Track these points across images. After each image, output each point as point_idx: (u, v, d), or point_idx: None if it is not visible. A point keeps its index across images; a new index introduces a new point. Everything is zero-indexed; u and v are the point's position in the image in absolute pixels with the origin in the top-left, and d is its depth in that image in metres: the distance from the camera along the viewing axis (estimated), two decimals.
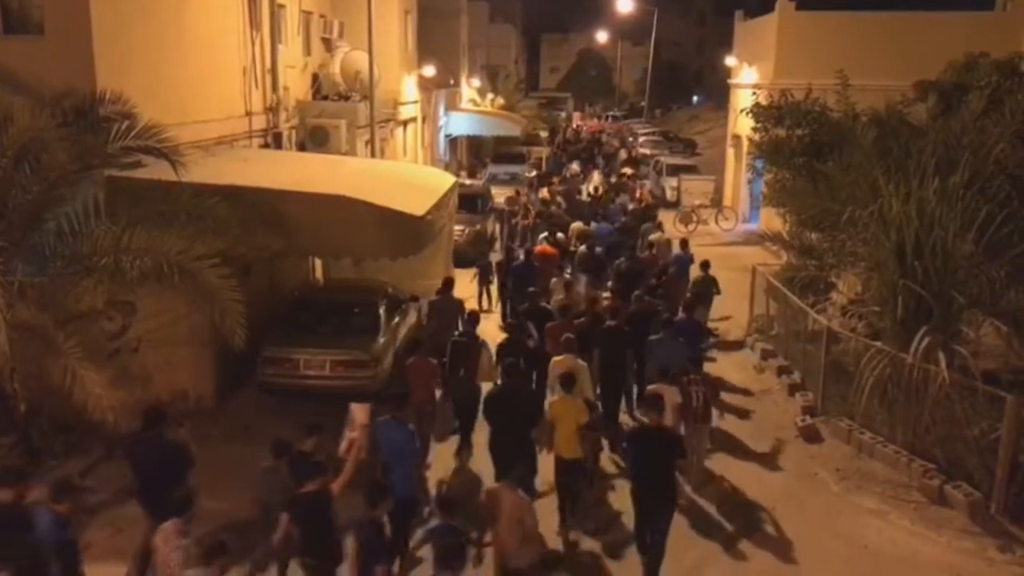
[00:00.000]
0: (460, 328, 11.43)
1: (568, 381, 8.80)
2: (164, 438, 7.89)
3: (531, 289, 13.11)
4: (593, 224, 19.24)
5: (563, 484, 8.75)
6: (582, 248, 16.34)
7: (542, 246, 16.45)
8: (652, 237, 17.61)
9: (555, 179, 29.77)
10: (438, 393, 10.42)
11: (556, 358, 9.95)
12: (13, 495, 6.52)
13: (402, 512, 7.67)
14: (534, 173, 31.50)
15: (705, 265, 14.44)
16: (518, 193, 23.41)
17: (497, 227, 22.55)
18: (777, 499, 9.78)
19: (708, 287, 14.11)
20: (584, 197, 25.66)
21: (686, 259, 15.66)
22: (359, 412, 8.44)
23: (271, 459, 7.76)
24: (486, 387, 9.84)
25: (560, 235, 17.80)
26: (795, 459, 10.86)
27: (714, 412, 10.55)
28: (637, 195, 25.79)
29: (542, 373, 10.49)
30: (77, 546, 6.96)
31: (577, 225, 18.75)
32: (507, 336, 11.63)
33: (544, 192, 24.70)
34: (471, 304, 14.97)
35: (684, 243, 16.65)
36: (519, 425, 8.58)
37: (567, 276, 14.44)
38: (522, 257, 15.59)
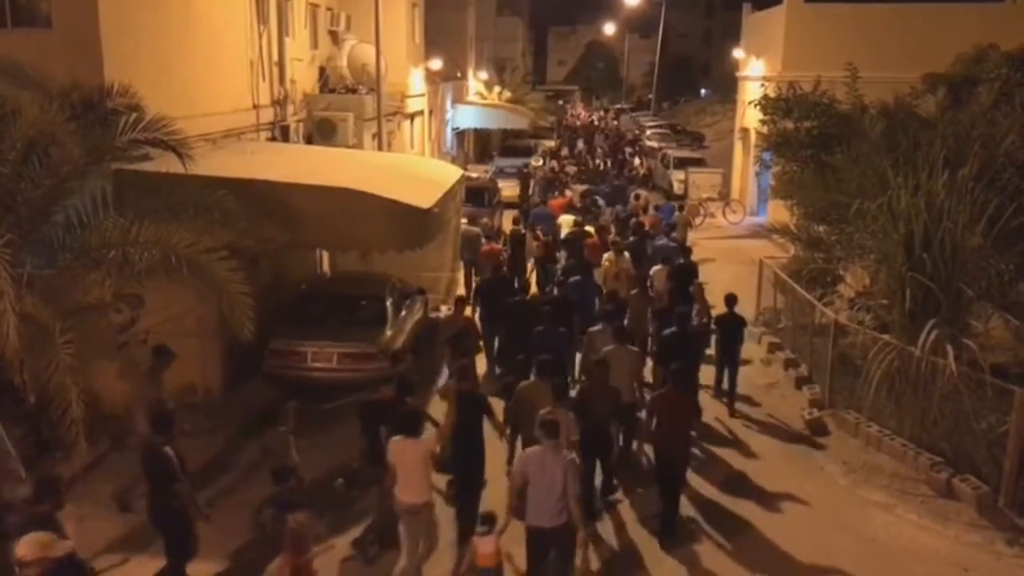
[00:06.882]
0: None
1: (620, 254, 14.27)
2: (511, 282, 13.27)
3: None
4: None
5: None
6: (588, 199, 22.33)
7: (556, 200, 22.10)
8: (637, 192, 24.31)
9: (563, 153, 38.86)
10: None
11: (607, 254, 14.47)
12: None
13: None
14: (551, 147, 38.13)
15: (680, 208, 20.67)
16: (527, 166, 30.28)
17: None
18: (783, 492, 9.78)
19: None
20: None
21: (670, 207, 20.99)
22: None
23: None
24: None
25: (568, 192, 24.44)
26: (802, 452, 10.86)
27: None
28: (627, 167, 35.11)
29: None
30: None
31: (578, 187, 25.52)
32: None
33: (560, 164, 33.16)
34: None
35: (668, 196, 24.24)
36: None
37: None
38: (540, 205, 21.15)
